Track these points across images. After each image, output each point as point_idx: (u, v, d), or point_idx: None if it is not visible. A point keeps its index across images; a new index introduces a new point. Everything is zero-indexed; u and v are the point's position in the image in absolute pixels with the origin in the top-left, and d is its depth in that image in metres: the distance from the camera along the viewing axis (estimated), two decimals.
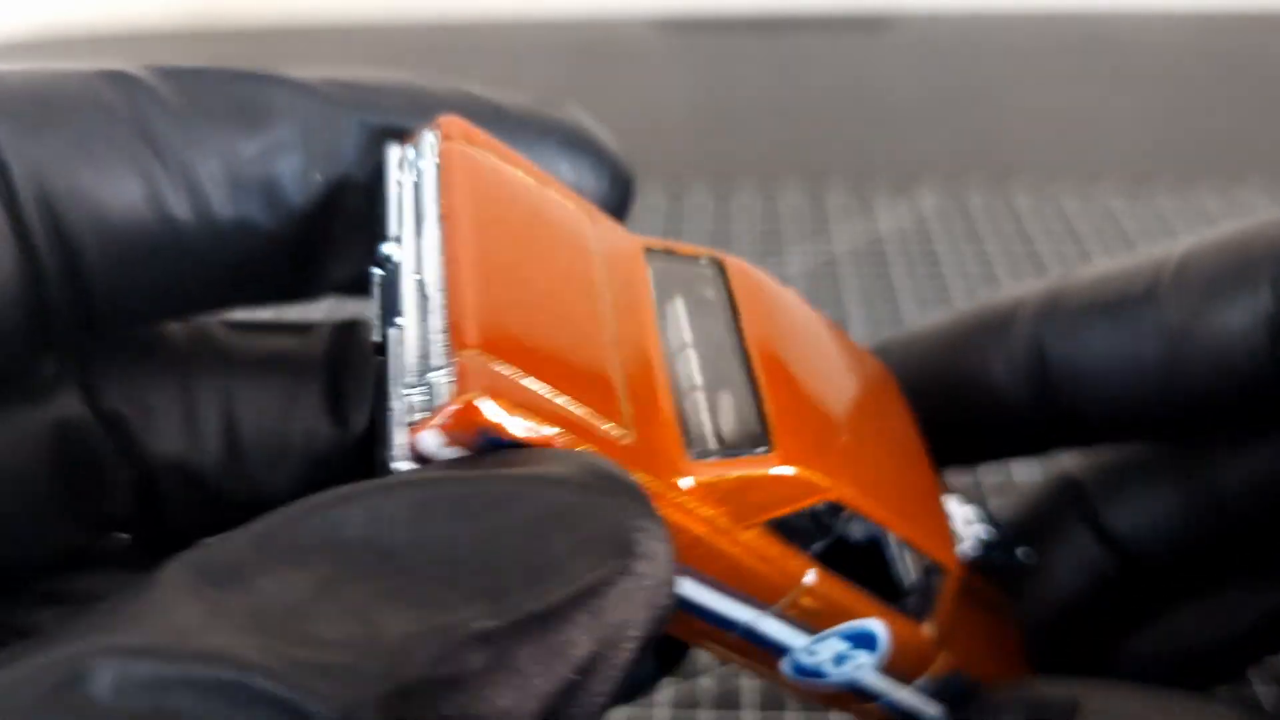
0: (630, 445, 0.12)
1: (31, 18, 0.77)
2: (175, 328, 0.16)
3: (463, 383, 0.11)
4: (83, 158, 0.13)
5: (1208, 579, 0.21)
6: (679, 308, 0.15)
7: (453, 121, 0.14)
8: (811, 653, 0.16)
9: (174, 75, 0.14)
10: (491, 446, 0.11)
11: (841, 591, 0.16)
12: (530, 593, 0.10)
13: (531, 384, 0.12)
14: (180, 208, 0.14)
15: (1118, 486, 0.21)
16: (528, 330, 0.12)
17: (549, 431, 0.12)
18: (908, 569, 0.17)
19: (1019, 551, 0.19)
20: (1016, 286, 0.21)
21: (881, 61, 0.68)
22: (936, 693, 0.18)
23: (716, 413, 0.14)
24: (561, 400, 0.12)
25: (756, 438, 0.14)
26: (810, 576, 0.15)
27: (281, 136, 0.14)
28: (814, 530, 0.15)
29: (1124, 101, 0.62)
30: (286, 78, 0.14)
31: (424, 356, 0.12)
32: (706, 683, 0.27)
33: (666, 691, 0.27)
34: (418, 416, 0.11)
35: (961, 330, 0.21)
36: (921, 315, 0.40)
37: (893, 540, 0.16)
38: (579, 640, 0.10)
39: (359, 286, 0.15)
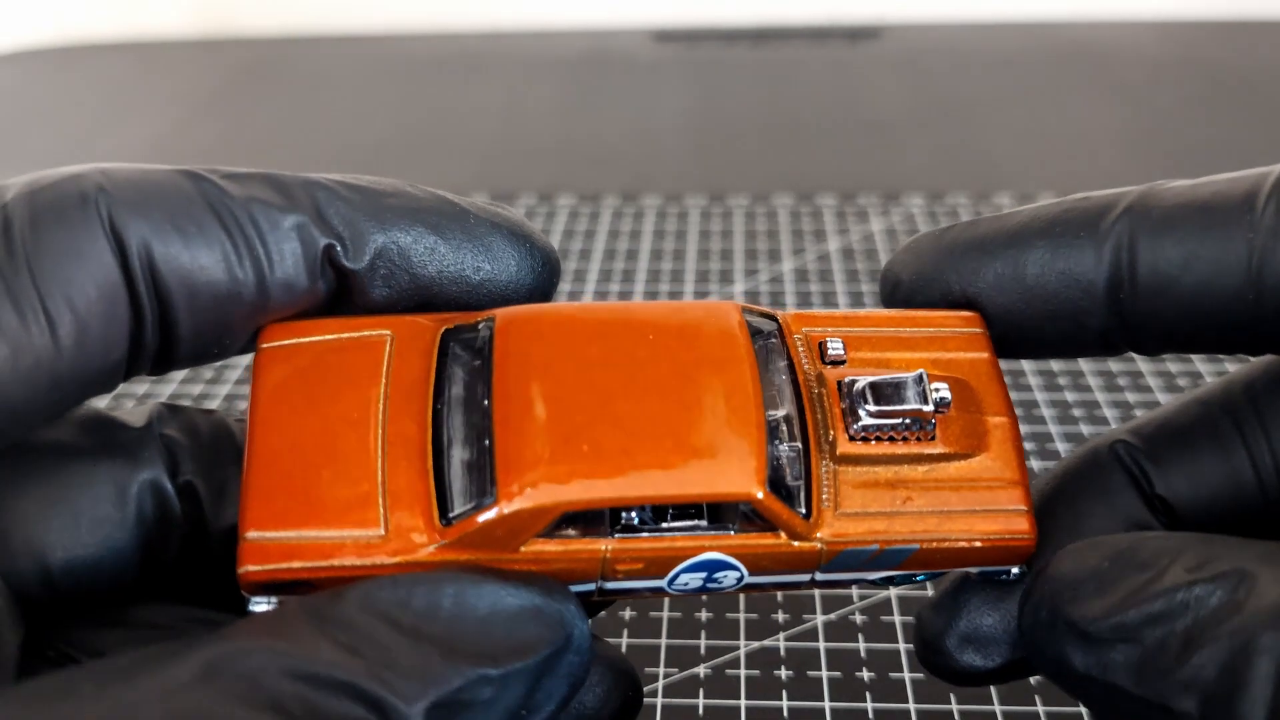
0: (381, 538, 0.17)
1: (49, 26, 0.78)
2: (239, 427, 0.20)
3: (239, 560, 0.17)
4: (175, 232, 0.17)
5: None
6: (455, 381, 0.18)
7: (273, 327, 0.19)
8: (678, 585, 0.18)
9: (233, 175, 0.18)
10: (296, 585, 0.17)
11: (652, 544, 0.17)
12: None
13: (298, 534, 0.17)
14: (243, 272, 0.18)
15: (1169, 448, 0.21)
16: (295, 494, 0.17)
17: (317, 565, 0.17)
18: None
19: None
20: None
21: (869, 72, 0.69)
22: (882, 564, 0.18)
23: (467, 474, 0.17)
24: (321, 534, 0.17)
25: (485, 489, 0.17)
26: (607, 546, 0.17)
27: (319, 227, 0.18)
28: (590, 515, 0.17)
29: (1109, 111, 0.63)
30: (314, 180, 0.19)
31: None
32: (704, 673, 0.27)
33: (664, 683, 0.27)
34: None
35: (1057, 216, 0.20)
36: None
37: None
38: None
39: None
